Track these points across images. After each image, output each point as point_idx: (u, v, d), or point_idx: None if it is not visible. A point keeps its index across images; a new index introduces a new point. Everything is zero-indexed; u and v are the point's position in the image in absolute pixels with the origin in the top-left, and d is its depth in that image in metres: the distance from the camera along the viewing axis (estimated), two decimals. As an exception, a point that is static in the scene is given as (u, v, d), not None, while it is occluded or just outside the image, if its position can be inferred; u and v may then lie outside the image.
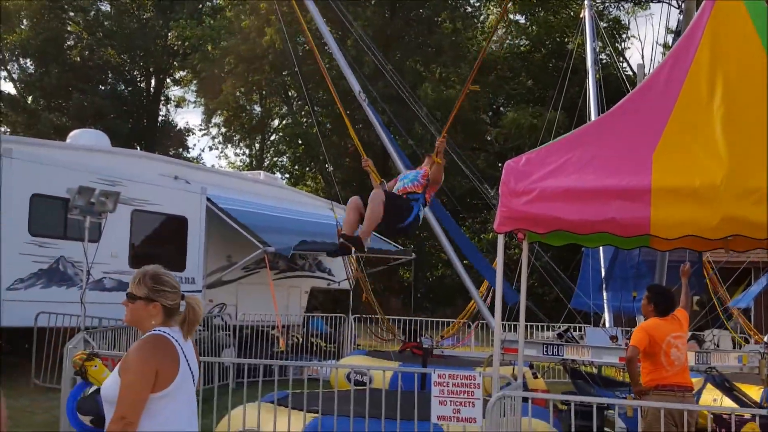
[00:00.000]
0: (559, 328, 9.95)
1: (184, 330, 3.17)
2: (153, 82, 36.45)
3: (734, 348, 9.79)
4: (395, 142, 11.03)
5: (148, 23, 33.96)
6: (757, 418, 5.82)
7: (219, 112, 33.65)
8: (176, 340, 3.09)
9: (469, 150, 27.07)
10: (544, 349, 8.32)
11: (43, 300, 10.29)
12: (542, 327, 13.59)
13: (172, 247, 12.68)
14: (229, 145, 37.13)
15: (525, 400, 5.46)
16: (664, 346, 5.72)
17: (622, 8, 32.65)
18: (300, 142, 32.07)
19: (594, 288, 11.68)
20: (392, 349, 13.09)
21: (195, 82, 34.77)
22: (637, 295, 9.31)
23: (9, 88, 33.16)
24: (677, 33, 9.90)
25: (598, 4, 28.79)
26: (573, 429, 5.06)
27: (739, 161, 4.60)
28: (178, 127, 36.87)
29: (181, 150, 35.42)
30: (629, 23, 32.92)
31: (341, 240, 5.93)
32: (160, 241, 12.68)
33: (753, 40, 5.10)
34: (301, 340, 14.52)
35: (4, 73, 33.30)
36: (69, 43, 33.48)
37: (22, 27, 32.11)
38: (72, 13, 33.19)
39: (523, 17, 33.02)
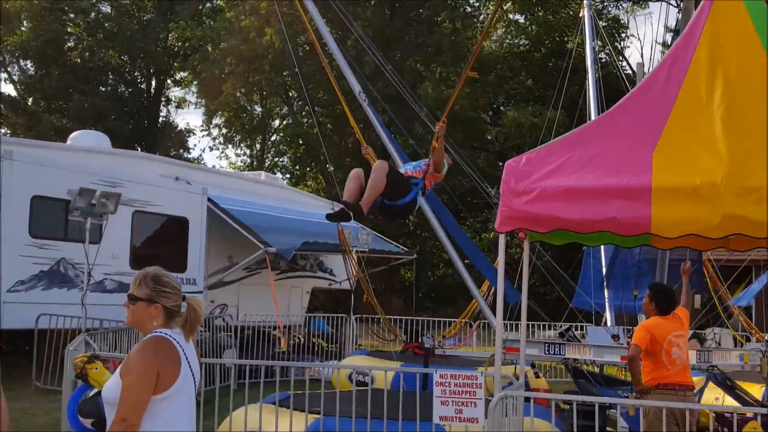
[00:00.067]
0: (561, 327, 9.93)
1: (186, 331, 3.17)
2: (153, 83, 36.50)
3: (735, 346, 9.78)
4: (396, 141, 11.02)
5: (149, 25, 33.98)
6: (759, 417, 5.82)
7: (219, 112, 33.67)
8: (178, 342, 3.09)
9: (469, 149, 27.08)
10: (546, 348, 8.30)
11: (44, 302, 10.30)
12: (544, 326, 13.59)
13: (173, 248, 12.68)
14: (230, 146, 37.20)
15: (527, 399, 5.46)
16: (666, 345, 5.72)
17: (621, 7, 32.67)
18: (301, 142, 32.09)
19: (595, 287, 11.67)
20: (394, 349, 13.08)
21: (195, 83, 34.79)
22: (638, 294, 9.31)
23: (9, 89, 33.22)
24: (676, 32, 9.89)
25: (597, 4, 28.78)
26: (575, 428, 5.06)
27: (739, 160, 4.60)
28: (178, 128, 36.94)
29: (181, 151, 35.46)
30: (628, 22, 32.94)
31: (341, 206, 5.89)
32: (161, 242, 12.68)
33: (752, 40, 5.10)
34: (302, 340, 14.52)
35: (4, 75, 33.41)
36: (69, 44, 33.50)
37: (23, 29, 32.13)
38: (72, 15, 33.20)
39: (523, 17, 33.03)
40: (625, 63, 30.65)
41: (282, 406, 6.68)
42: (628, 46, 41.39)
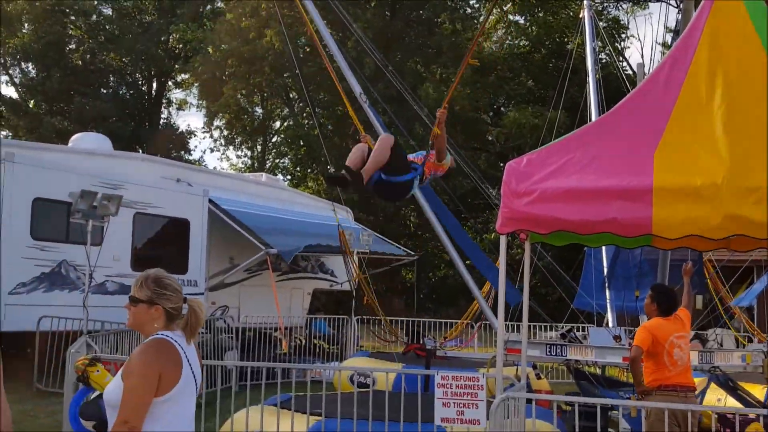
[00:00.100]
0: (562, 328, 9.91)
1: (187, 333, 3.17)
2: (155, 85, 36.53)
3: (737, 347, 9.77)
4: (396, 142, 11.00)
5: (150, 27, 34.01)
6: (762, 418, 5.81)
7: (220, 114, 33.70)
8: (179, 344, 3.09)
9: (470, 150, 27.08)
10: (548, 349, 8.29)
11: (46, 304, 10.31)
12: (545, 327, 13.57)
13: (175, 249, 12.69)
14: (231, 148, 37.23)
15: (529, 401, 5.46)
16: (667, 346, 5.71)
17: (620, 8, 32.67)
18: (301, 143, 32.11)
19: (597, 288, 11.66)
20: (395, 350, 13.08)
21: (196, 84, 34.83)
22: (639, 295, 9.29)
23: (11, 92, 33.28)
24: (676, 32, 9.88)
25: (597, 4, 28.78)
26: (577, 430, 5.06)
27: (739, 160, 4.59)
28: (179, 130, 36.91)
29: (182, 153, 35.46)
30: (628, 23, 32.94)
31: (343, 171, 5.86)
32: (163, 243, 12.69)
33: (753, 40, 5.10)
34: (303, 341, 14.51)
35: (5, 77, 33.44)
36: (71, 46, 33.54)
37: (24, 31, 32.17)
38: (73, 17, 33.25)
39: (523, 18, 33.04)
40: (625, 63, 30.66)
41: (283, 407, 6.69)
42: (629, 47, 41.49)
